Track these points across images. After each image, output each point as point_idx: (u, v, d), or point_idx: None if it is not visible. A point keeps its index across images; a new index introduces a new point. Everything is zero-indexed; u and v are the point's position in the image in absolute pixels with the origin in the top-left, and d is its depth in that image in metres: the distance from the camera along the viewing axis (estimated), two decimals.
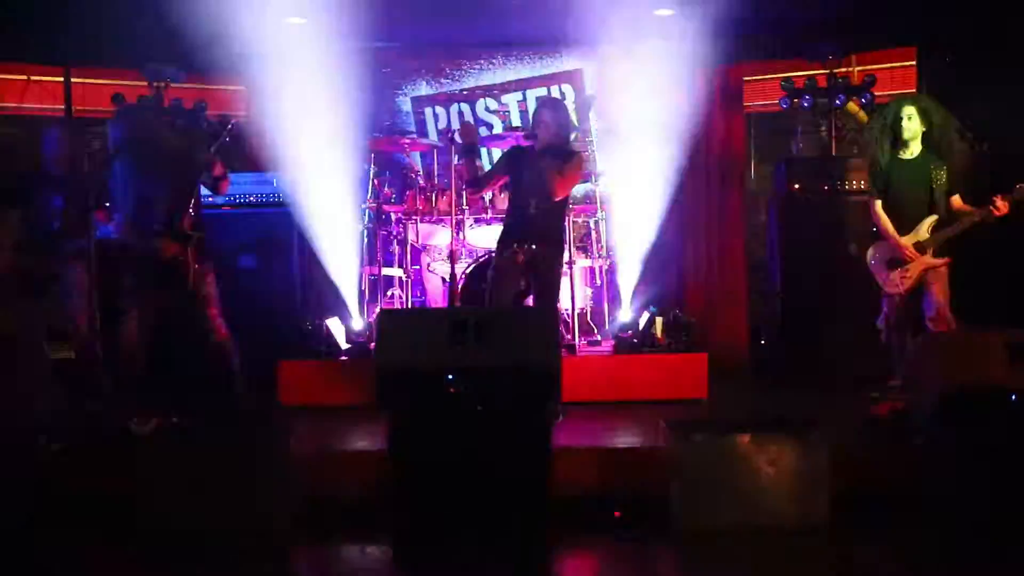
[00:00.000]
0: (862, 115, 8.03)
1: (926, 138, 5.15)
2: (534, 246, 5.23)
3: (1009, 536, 3.56)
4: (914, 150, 5.17)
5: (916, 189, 5.13)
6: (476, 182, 5.63)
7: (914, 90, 6.97)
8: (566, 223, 5.59)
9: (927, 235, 5.08)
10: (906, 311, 5.18)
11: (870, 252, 5.27)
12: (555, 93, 7.77)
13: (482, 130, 7.75)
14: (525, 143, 5.49)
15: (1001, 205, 4.93)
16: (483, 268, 5.87)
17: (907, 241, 5.11)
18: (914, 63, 7.25)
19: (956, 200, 5.13)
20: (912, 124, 5.13)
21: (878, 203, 5.23)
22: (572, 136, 5.89)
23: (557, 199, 5.23)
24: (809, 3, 6.70)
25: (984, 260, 5.47)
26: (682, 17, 6.95)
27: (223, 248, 6.39)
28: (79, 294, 5.62)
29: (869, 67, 7.27)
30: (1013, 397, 3.79)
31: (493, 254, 5.54)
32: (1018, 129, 5.93)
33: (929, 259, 5.07)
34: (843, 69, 7.22)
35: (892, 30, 7.02)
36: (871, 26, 7.02)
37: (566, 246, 5.64)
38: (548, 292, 5.29)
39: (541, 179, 5.18)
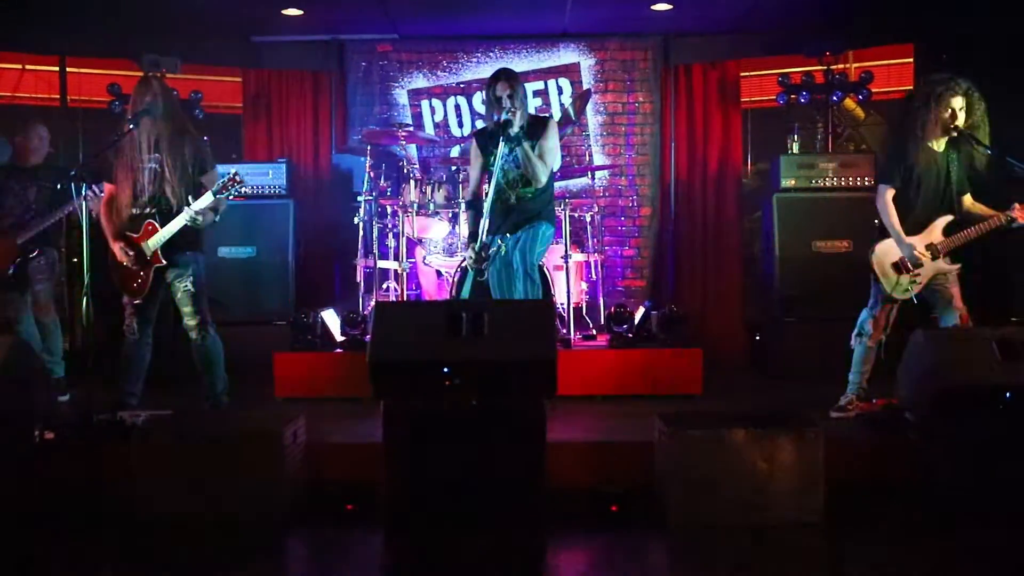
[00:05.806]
0: (859, 111, 8.06)
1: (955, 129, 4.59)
2: (521, 234, 5.05)
3: (1004, 532, 3.57)
4: (941, 142, 4.63)
5: (933, 184, 4.63)
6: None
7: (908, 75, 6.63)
8: (552, 204, 5.32)
9: (941, 237, 4.60)
10: (894, 318, 4.79)
11: (877, 251, 4.73)
12: (552, 87, 7.76)
13: (478, 123, 7.75)
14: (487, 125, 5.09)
15: (1020, 214, 4.46)
16: None
17: (918, 242, 4.62)
18: (911, 60, 7.26)
19: (967, 200, 4.68)
20: (962, 116, 4.56)
21: (890, 193, 4.63)
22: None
23: (543, 183, 5.03)
24: None
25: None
26: (679, 12, 6.96)
27: (218, 238, 6.39)
28: (46, 284, 5.63)
29: (866, 64, 7.29)
30: (1008, 395, 3.79)
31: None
32: (1017, 129, 5.91)
33: (942, 264, 4.59)
34: (840, 65, 7.24)
35: (889, 27, 7.02)
36: (868, 23, 7.02)
37: (555, 223, 5.36)
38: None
39: (519, 165, 5.03)
